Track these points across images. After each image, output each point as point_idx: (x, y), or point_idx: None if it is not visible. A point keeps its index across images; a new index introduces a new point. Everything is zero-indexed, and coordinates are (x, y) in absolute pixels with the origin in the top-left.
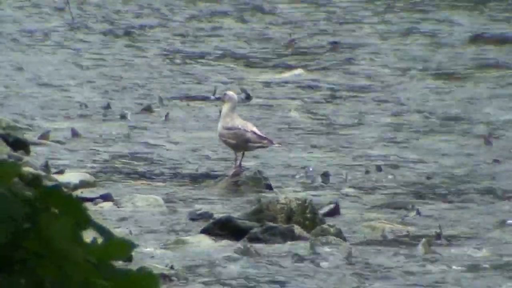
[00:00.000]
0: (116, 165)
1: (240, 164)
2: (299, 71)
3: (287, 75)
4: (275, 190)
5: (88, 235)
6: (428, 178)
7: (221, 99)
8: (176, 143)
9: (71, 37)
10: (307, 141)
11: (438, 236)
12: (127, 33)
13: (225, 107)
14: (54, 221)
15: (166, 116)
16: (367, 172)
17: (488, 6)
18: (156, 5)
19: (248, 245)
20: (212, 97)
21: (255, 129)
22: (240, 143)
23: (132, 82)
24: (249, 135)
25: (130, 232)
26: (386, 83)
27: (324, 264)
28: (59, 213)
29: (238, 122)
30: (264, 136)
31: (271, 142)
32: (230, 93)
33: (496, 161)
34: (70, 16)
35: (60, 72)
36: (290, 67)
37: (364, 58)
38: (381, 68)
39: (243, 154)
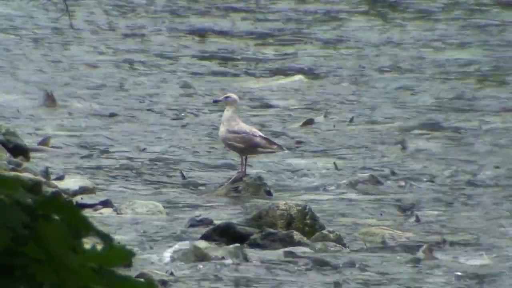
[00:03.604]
0: (116, 171)
1: (244, 169)
2: (298, 77)
3: (287, 81)
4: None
5: (94, 241)
6: (431, 181)
7: (223, 101)
8: (177, 148)
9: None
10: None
11: (442, 242)
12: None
13: (228, 110)
14: (51, 227)
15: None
16: (371, 177)
17: None
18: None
19: (248, 250)
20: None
21: (261, 133)
22: (248, 148)
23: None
24: (258, 139)
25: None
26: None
27: (323, 270)
28: (59, 220)
29: (244, 126)
30: (274, 141)
31: (281, 148)
32: (233, 95)
33: (496, 167)
34: (69, 22)
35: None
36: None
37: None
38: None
39: (246, 159)
